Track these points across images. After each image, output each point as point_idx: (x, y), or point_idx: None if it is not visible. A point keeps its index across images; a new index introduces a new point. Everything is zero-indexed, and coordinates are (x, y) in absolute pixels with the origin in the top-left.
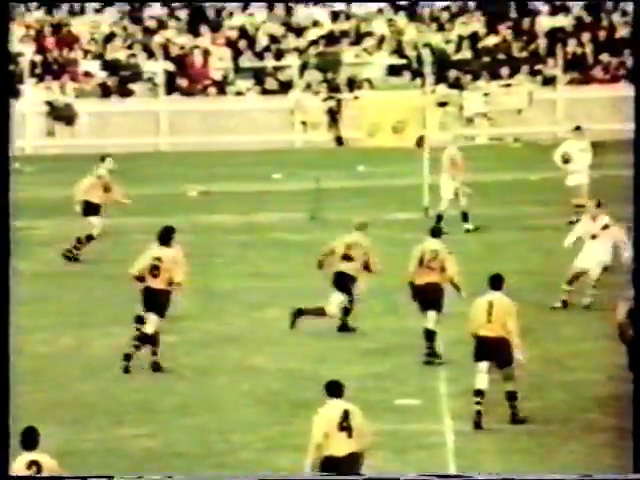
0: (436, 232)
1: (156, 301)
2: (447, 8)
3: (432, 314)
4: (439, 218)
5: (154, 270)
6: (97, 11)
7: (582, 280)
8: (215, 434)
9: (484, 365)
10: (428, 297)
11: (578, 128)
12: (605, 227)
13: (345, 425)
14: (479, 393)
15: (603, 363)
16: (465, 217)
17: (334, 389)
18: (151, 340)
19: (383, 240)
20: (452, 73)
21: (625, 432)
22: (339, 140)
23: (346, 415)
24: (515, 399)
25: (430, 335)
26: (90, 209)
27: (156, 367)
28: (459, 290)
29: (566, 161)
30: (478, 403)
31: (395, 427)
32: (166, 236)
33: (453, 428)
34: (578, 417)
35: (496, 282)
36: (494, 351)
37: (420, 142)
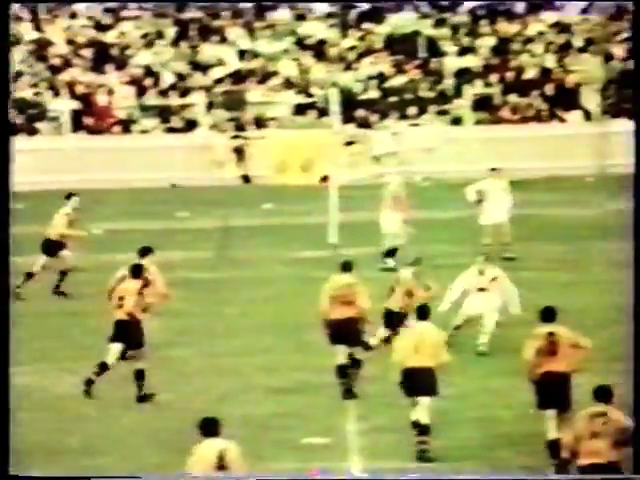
0: (347, 267)
1: (122, 332)
2: (354, 48)
3: (356, 349)
4: (392, 252)
5: (120, 301)
6: None
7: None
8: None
9: (418, 398)
10: (345, 332)
11: (494, 169)
12: (494, 279)
13: (222, 465)
14: (418, 426)
15: (512, 401)
16: (392, 253)
17: (209, 428)
18: (107, 368)
19: (292, 278)
20: (360, 112)
21: (536, 471)
22: (246, 178)
23: (222, 456)
24: (426, 434)
25: (347, 371)
26: (55, 246)
27: (142, 399)
28: (368, 324)
29: (480, 200)
30: (421, 434)
31: (301, 466)
32: (135, 269)
33: (361, 466)
34: (489, 455)
35: (423, 313)
36: (421, 381)
37: (324, 179)
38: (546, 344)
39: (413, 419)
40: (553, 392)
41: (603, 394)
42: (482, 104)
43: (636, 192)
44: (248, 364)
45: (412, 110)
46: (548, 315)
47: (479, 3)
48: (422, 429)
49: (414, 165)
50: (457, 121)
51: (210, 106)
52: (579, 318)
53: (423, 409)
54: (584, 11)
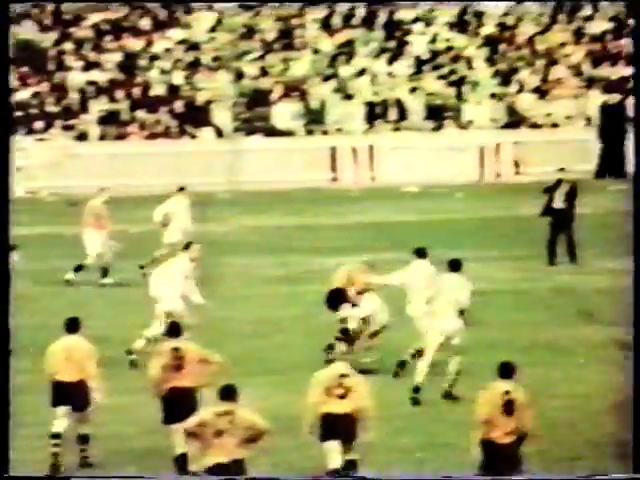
0: None
1: None
2: None
3: None
4: (79, 268)
5: None
6: None
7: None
8: None
9: (62, 409)
10: None
11: (182, 188)
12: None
13: None
14: (56, 436)
15: (137, 417)
16: (105, 272)
17: None
18: None
19: None
20: None
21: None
22: None
23: None
24: (87, 442)
25: None
26: None
27: None
28: None
29: (166, 220)
30: (56, 445)
31: None
32: None
33: None
34: (117, 470)
35: (72, 326)
36: (71, 394)
37: None
38: (171, 360)
39: (54, 431)
40: (179, 407)
41: (227, 394)
42: (109, 120)
43: (636, 192)
44: None
45: (38, 125)
46: (173, 331)
47: (103, 18)
48: (84, 437)
49: (41, 180)
50: (83, 136)
51: None
52: (209, 333)
53: (63, 421)
54: (212, 29)
